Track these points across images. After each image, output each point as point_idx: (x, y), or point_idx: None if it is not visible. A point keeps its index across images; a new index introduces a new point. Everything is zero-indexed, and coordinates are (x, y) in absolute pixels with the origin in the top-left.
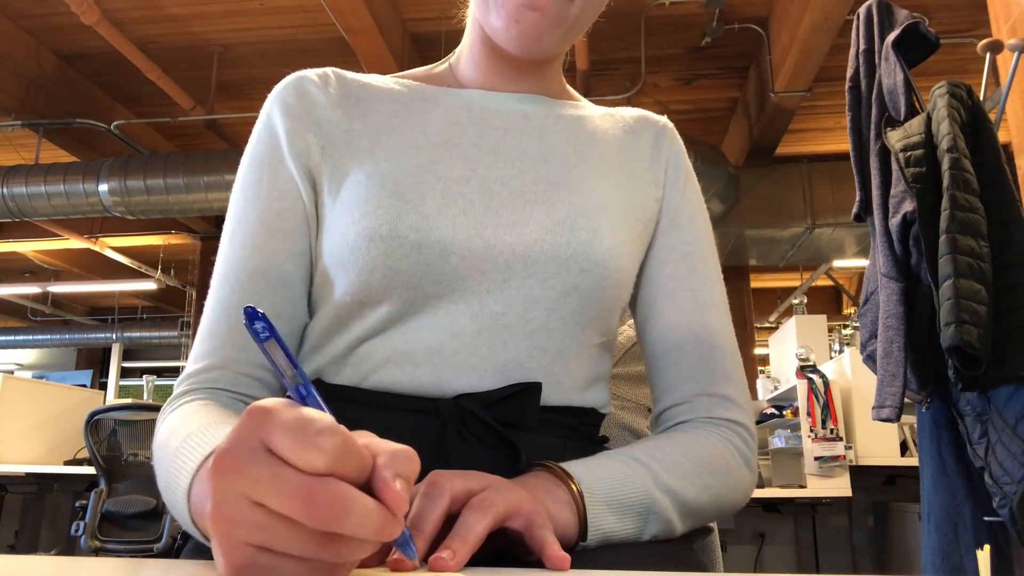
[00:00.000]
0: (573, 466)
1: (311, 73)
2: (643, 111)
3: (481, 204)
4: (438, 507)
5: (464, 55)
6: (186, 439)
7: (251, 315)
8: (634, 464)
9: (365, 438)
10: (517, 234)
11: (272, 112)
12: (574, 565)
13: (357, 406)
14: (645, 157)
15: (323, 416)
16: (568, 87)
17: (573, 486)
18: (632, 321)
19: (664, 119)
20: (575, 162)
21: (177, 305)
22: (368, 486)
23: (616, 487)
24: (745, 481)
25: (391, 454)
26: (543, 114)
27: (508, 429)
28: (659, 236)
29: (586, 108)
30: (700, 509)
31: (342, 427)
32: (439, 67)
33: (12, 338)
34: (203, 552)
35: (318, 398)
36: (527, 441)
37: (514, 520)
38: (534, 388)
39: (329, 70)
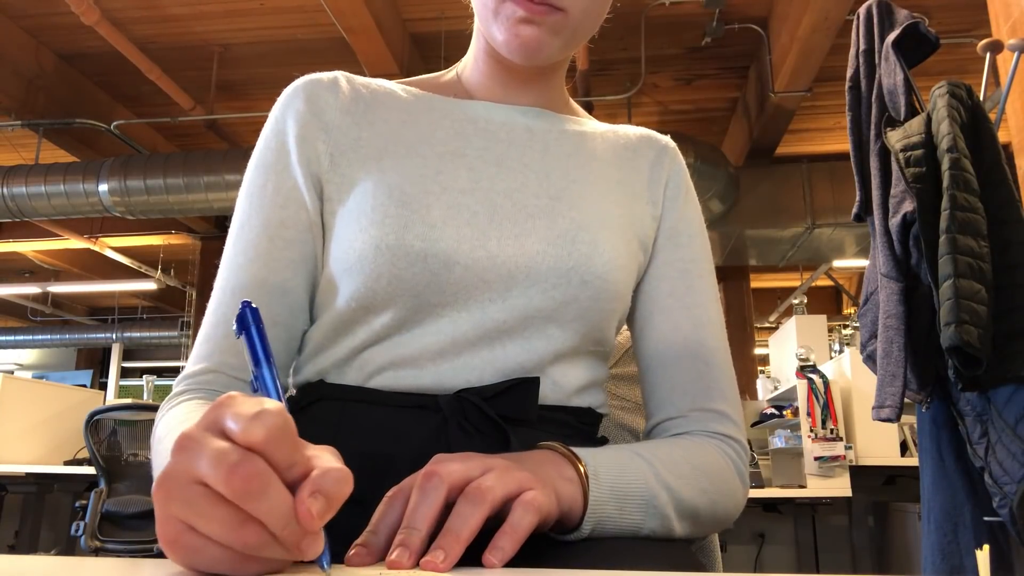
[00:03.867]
0: (578, 450)
1: (321, 76)
2: (646, 130)
3: (485, 215)
4: (434, 502)
5: (470, 65)
6: None
7: (240, 313)
8: (635, 457)
9: (318, 451)
10: (519, 246)
11: (281, 117)
12: (574, 564)
13: (360, 405)
14: (645, 175)
15: (274, 401)
16: (571, 102)
17: (580, 466)
18: None
19: (667, 139)
20: (575, 177)
21: (177, 305)
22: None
23: (619, 475)
24: (739, 492)
25: (323, 471)
26: (546, 129)
27: (508, 423)
28: (657, 253)
29: (588, 124)
30: (696, 511)
31: (288, 416)
32: (446, 75)
33: (12, 338)
34: None
35: (271, 392)
36: (527, 437)
37: (514, 502)
38: (532, 382)
39: (339, 74)
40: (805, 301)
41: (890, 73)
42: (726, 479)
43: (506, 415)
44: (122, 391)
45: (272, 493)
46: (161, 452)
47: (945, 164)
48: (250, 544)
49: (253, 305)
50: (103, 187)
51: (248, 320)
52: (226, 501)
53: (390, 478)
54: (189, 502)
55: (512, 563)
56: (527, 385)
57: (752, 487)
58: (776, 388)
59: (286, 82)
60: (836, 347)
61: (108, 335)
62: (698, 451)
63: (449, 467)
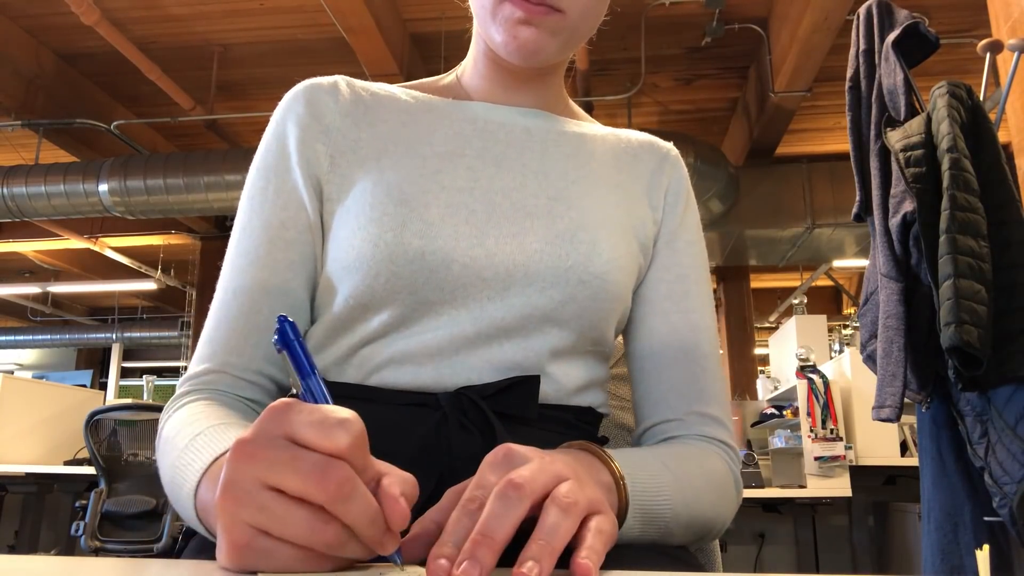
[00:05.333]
0: (625, 467)
1: (321, 81)
2: (649, 135)
3: (483, 214)
4: (516, 512)
5: (469, 68)
6: (194, 438)
7: (279, 329)
8: (666, 473)
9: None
10: (517, 244)
11: (282, 121)
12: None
13: (360, 403)
14: (645, 180)
15: (347, 410)
16: (571, 103)
17: (623, 492)
18: None
19: (669, 145)
20: (574, 178)
21: (177, 305)
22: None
23: (652, 498)
24: (734, 503)
25: (402, 476)
26: (545, 129)
27: (508, 421)
28: (656, 258)
29: (588, 126)
30: (702, 526)
31: (363, 424)
32: (446, 79)
33: (12, 338)
34: (204, 552)
35: (322, 401)
36: (527, 436)
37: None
38: (532, 380)
39: (339, 78)
40: (805, 301)
41: (890, 73)
42: (727, 490)
43: (506, 413)
44: (122, 391)
45: (359, 496)
46: (170, 453)
47: (945, 164)
48: (331, 543)
49: (290, 320)
50: (103, 187)
51: (289, 335)
52: (303, 504)
53: None
54: (262, 507)
55: (511, 563)
56: (528, 383)
57: (752, 487)
58: (776, 388)
59: (286, 82)
60: (836, 347)
61: (108, 335)
62: (708, 463)
63: (531, 477)
